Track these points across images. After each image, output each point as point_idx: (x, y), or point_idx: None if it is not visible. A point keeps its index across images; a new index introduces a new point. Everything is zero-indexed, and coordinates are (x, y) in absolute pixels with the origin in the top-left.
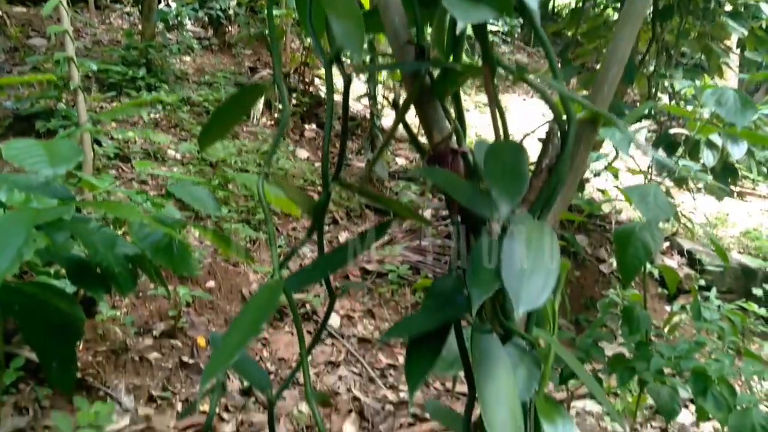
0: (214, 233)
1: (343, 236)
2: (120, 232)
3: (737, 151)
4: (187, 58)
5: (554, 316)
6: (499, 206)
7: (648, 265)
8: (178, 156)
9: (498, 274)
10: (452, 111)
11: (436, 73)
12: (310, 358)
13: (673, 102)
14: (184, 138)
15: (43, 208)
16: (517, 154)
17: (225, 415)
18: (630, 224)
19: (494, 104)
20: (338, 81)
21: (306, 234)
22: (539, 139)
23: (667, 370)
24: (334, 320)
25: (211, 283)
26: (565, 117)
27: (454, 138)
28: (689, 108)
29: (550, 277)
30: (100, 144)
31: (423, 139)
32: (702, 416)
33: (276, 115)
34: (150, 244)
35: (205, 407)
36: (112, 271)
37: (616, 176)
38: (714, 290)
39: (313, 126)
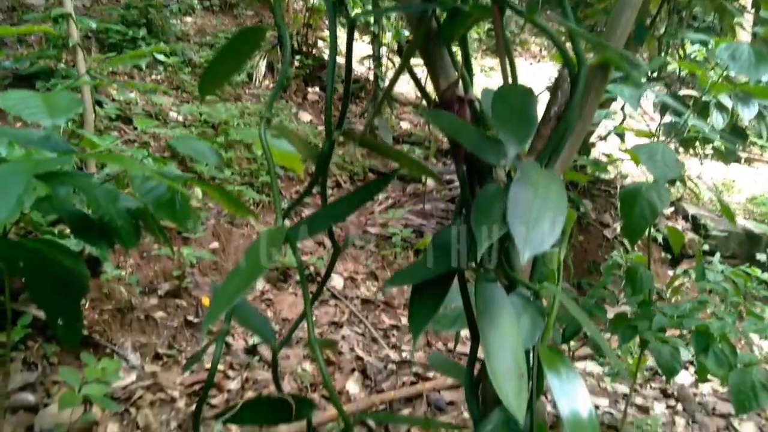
0: (217, 189)
1: None
2: (125, 193)
3: (747, 113)
4: (188, 19)
5: (559, 268)
6: (507, 149)
7: (652, 230)
8: (180, 118)
9: (504, 219)
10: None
11: (443, 19)
12: (313, 318)
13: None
14: (186, 100)
15: (43, 159)
16: (525, 97)
17: (230, 373)
18: (637, 184)
19: (503, 47)
20: (341, 43)
21: (309, 183)
22: (548, 88)
23: (669, 333)
24: (338, 282)
25: (215, 245)
26: (575, 62)
27: (461, 86)
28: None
29: (557, 223)
30: (101, 105)
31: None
32: (702, 374)
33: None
34: (152, 199)
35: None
36: (114, 225)
37: (622, 139)
38: (718, 255)
39: (316, 89)
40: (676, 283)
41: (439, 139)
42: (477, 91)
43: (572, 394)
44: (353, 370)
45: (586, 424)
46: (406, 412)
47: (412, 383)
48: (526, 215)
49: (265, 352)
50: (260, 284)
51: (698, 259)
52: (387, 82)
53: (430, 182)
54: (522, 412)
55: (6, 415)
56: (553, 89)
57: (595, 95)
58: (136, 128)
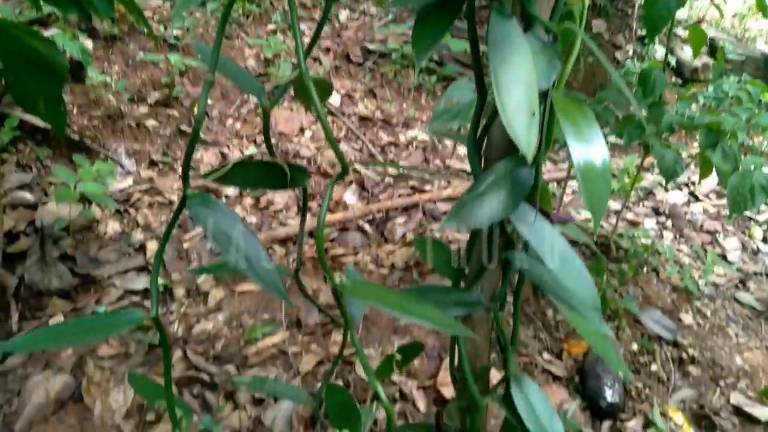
0: None
1: (343, 14)
2: None
3: None
4: None
5: (582, 15)
6: None
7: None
8: None
9: None
10: None
11: None
12: (310, 134)
13: None
14: None
15: None
16: None
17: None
18: None
19: None
20: None
21: None
22: None
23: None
24: (335, 98)
25: None
26: None
27: None
28: None
29: None
30: None
31: None
32: (706, 171)
33: None
34: None
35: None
36: None
37: None
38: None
39: None
40: (689, 92)
41: None
42: None
43: (587, 141)
44: (351, 182)
45: (600, 173)
46: (401, 220)
47: (408, 195)
48: None
49: None
50: (254, 99)
51: (720, 59)
52: None
53: None
54: (531, 149)
55: (6, 210)
56: None
57: None
58: None
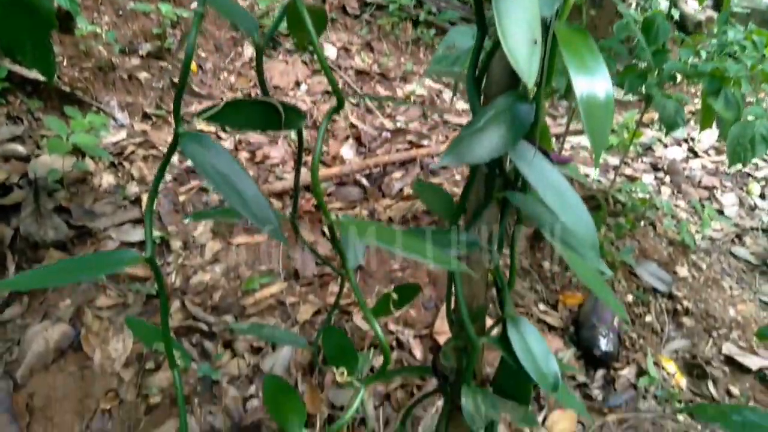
0: None
1: None
2: None
3: None
4: None
5: None
6: None
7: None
8: None
9: None
10: None
11: None
12: (305, 88)
13: None
14: None
15: None
16: None
17: (222, 134)
18: None
19: None
20: None
21: None
22: None
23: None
24: (331, 52)
25: (195, 4)
26: None
27: None
28: None
29: None
30: None
31: None
32: (707, 120)
33: None
34: None
35: (203, 125)
36: None
37: None
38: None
39: None
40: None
41: None
42: None
43: (591, 73)
44: (347, 137)
45: (603, 105)
46: (399, 174)
47: (406, 150)
48: None
49: None
50: (249, 51)
51: (725, 7)
52: None
53: None
54: (532, 78)
55: None
56: None
57: None
58: None
